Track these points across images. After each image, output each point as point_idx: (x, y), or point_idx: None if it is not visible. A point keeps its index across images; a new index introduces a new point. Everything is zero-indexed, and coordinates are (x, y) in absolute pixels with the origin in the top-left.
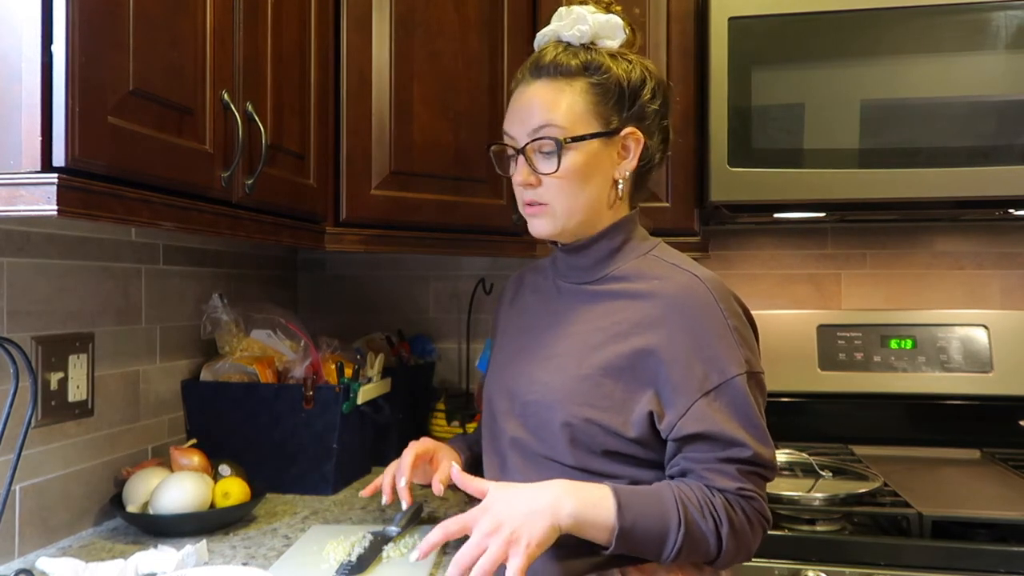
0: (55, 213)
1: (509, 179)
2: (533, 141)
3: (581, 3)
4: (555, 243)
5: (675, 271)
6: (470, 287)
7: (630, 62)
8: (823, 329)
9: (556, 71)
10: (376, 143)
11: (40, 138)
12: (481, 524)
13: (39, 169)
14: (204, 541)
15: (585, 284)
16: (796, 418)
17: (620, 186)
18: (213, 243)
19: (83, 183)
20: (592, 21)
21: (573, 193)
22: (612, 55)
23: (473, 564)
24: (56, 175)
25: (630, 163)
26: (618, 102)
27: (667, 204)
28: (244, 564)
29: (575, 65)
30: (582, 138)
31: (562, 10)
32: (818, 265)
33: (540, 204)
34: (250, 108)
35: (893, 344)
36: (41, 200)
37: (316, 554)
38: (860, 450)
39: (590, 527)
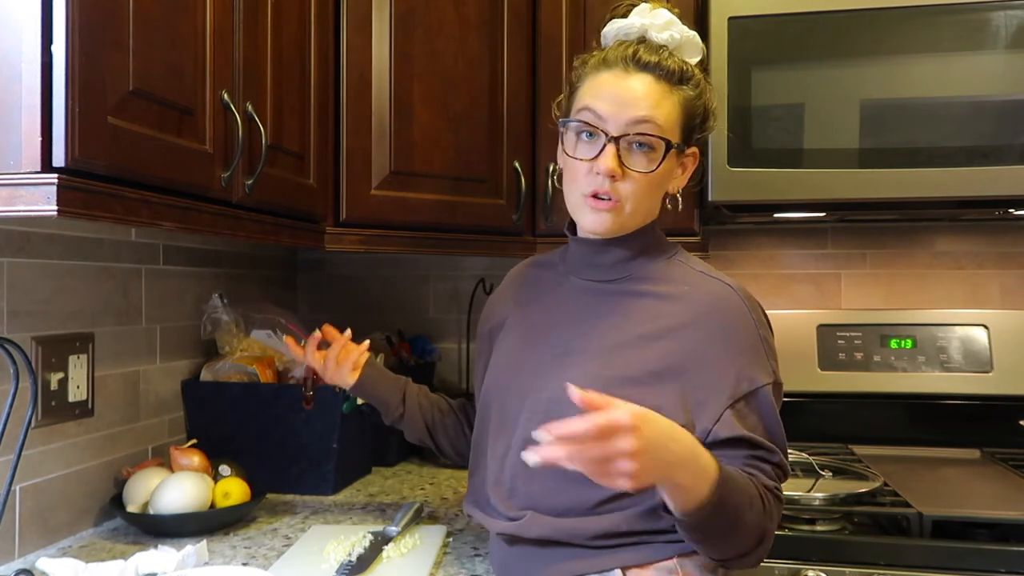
0: (55, 213)
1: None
2: (637, 134)
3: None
4: (572, 236)
5: (704, 279)
6: (470, 287)
7: (710, 89)
8: (823, 329)
9: (660, 72)
10: (376, 143)
11: (40, 138)
12: (624, 442)
13: (39, 169)
14: (204, 541)
15: (604, 282)
16: (796, 418)
17: (668, 201)
18: (213, 243)
19: (83, 183)
20: (681, 32)
21: (647, 197)
22: (702, 74)
23: (596, 460)
24: (56, 175)
25: (683, 180)
26: (699, 124)
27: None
28: (244, 564)
29: (677, 72)
30: (678, 147)
31: (645, 7)
32: (818, 265)
33: (613, 200)
34: (250, 108)
35: (893, 344)
36: (41, 200)
37: (316, 554)
38: (860, 450)
39: (681, 496)
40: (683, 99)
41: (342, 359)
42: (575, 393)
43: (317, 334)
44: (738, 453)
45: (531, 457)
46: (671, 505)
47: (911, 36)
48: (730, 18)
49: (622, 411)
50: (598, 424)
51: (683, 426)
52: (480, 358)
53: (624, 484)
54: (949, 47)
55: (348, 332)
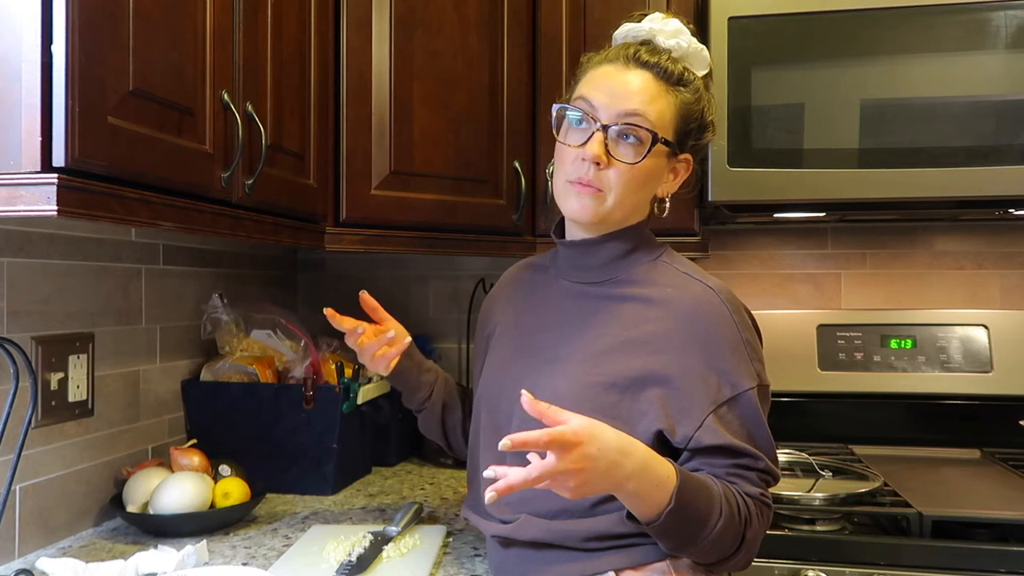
0: (55, 213)
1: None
2: (626, 124)
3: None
4: (560, 238)
5: (688, 281)
6: (470, 287)
7: (711, 101)
8: (823, 329)
9: (659, 71)
10: (376, 143)
11: (40, 138)
12: (568, 459)
13: (39, 169)
14: (204, 541)
15: (590, 285)
16: (796, 418)
17: (655, 205)
18: (213, 243)
19: (83, 183)
20: (689, 42)
21: (631, 191)
22: (705, 85)
23: (539, 482)
24: (56, 175)
25: (672, 185)
26: (696, 131)
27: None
28: (244, 564)
29: (676, 74)
30: (668, 144)
31: (658, 15)
32: (818, 265)
33: (596, 187)
34: (250, 108)
35: (893, 344)
36: (41, 200)
37: (316, 554)
38: (860, 450)
39: (639, 505)
40: (679, 101)
41: (379, 355)
42: (526, 400)
43: (355, 325)
44: (721, 461)
45: (488, 495)
46: (633, 512)
47: (911, 36)
48: (730, 18)
49: (571, 425)
50: (544, 439)
51: (664, 431)
52: (478, 360)
53: (565, 494)
54: (949, 47)
55: (391, 332)
